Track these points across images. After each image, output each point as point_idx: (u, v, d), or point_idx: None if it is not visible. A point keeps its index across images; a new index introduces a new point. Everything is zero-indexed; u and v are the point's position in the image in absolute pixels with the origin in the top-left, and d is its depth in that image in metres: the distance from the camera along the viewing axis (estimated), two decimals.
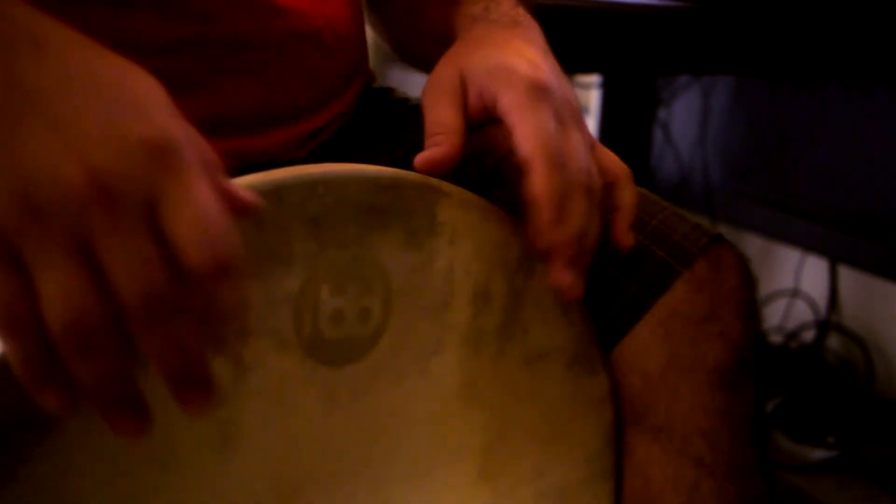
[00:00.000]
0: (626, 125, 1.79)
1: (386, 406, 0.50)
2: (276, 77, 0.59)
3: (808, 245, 1.64)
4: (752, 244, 1.76)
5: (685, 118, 1.85)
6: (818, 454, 1.45)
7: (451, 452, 0.54)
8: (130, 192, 0.33)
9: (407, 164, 0.51)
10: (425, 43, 0.68)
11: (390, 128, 0.69)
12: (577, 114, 0.54)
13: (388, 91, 0.75)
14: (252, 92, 0.58)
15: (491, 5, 0.62)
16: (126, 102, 0.35)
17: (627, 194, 0.55)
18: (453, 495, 0.55)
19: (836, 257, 1.61)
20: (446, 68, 0.56)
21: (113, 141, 0.34)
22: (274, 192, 0.42)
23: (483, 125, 0.55)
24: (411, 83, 0.74)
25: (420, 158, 0.51)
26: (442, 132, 0.52)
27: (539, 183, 0.49)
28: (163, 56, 0.53)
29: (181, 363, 0.35)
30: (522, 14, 0.62)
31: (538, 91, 0.52)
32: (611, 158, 0.56)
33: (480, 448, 0.55)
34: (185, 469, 0.44)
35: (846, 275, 1.62)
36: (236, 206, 0.37)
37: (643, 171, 1.82)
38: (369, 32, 0.72)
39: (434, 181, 0.49)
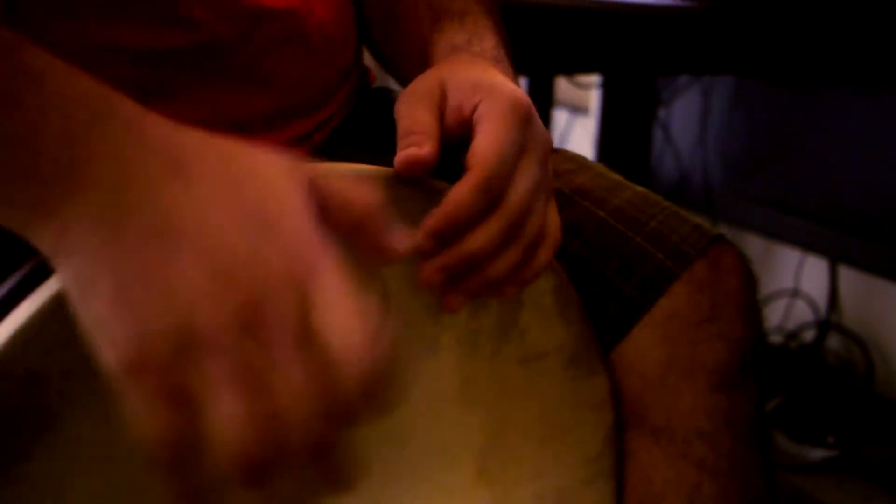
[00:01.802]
0: (626, 125, 1.79)
1: None
2: (265, 80, 0.59)
3: (808, 245, 1.64)
4: (752, 244, 1.76)
5: (685, 118, 1.85)
6: (818, 454, 1.45)
7: (449, 453, 0.54)
8: (284, 321, 0.34)
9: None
10: (406, 63, 0.67)
11: (388, 128, 0.69)
12: (547, 150, 0.53)
13: (387, 91, 0.75)
14: (241, 96, 0.58)
15: (474, 39, 0.61)
16: (267, 226, 0.35)
17: (542, 256, 0.52)
18: (451, 496, 0.55)
19: (836, 257, 1.61)
20: (427, 79, 0.55)
21: (258, 273, 0.34)
22: None
23: (452, 144, 0.53)
24: None
25: (399, 158, 0.49)
26: (420, 132, 0.50)
27: (458, 192, 0.48)
28: (151, 63, 0.53)
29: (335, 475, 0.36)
30: (503, 56, 0.61)
31: (520, 111, 0.51)
32: (553, 217, 0.53)
33: (478, 449, 0.55)
34: None
35: (846, 275, 1.62)
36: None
37: (643, 171, 1.82)
38: None
39: (431, 181, 0.49)
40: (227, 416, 0.33)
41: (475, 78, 0.53)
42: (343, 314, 0.35)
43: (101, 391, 0.40)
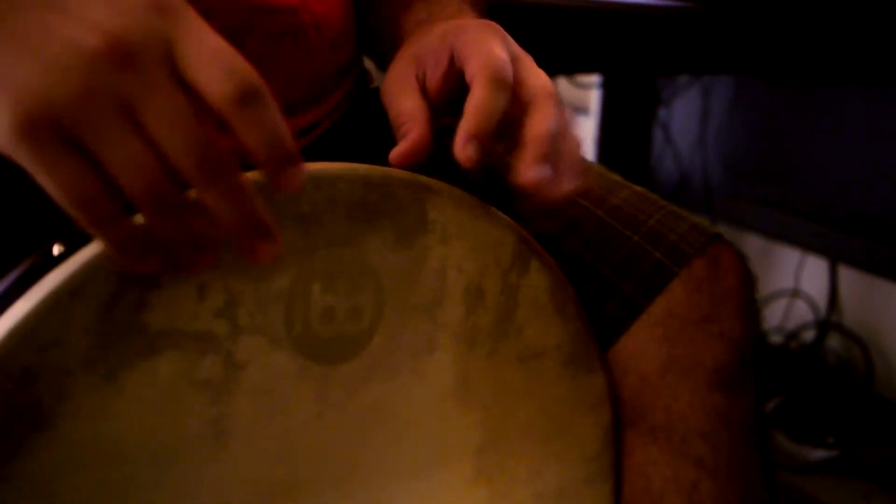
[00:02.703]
0: (626, 125, 1.80)
1: (379, 405, 0.50)
2: (262, 74, 0.59)
3: (808, 245, 1.64)
4: (752, 244, 1.76)
5: (685, 118, 1.85)
6: (818, 454, 1.45)
7: (447, 452, 0.54)
8: (149, 47, 0.35)
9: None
10: (383, 46, 0.68)
11: (386, 127, 0.69)
12: (530, 58, 0.54)
13: None
14: None
15: (435, 9, 0.62)
16: None
17: (538, 121, 0.51)
18: (450, 495, 0.55)
19: (836, 257, 1.61)
20: (399, 61, 0.56)
21: (119, 6, 0.35)
22: (262, 190, 0.42)
23: (453, 100, 0.54)
24: None
25: (393, 154, 0.50)
26: (406, 121, 0.52)
27: (475, 95, 0.49)
28: None
29: (242, 217, 0.38)
30: (468, 11, 0.63)
31: (490, 29, 0.53)
32: (537, 75, 0.53)
33: (476, 448, 0.55)
34: (177, 466, 0.44)
35: (846, 275, 1.62)
36: None
37: (643, 171, 1.82)
38: None
39: (424, 179, 0.49)
40: (122, 155, 0.35)
41: (440, 30, 0.55)
42: (208, 45, 0.37)
43: (94, 389, 0.40)
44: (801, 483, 1.40)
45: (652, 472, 0.60)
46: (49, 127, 0.34)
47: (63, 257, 0.40)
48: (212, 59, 0.36)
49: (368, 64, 0.75)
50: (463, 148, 0.48)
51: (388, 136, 0.61)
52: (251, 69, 0.37)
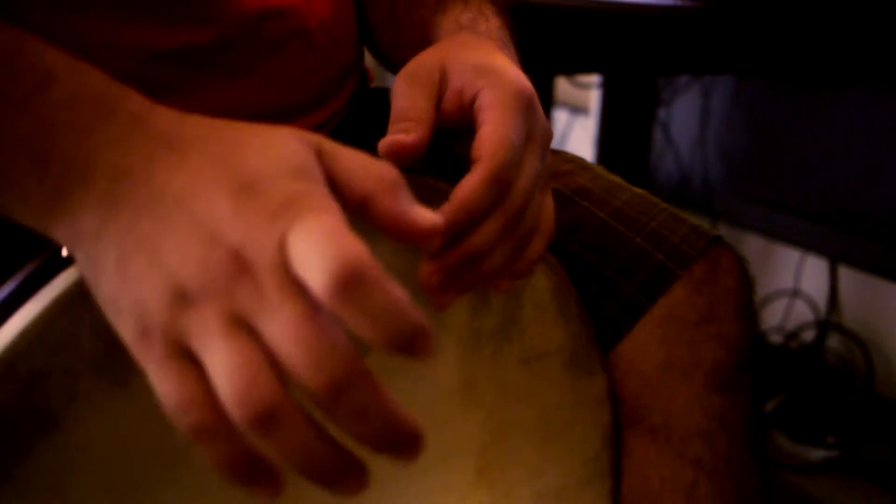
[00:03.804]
0: (626, 125, 1.80)
1: None
2: (267, 77, 0.59)
3: (808, 245, 1.64)
4: (752, 244, 1.76)
5: (685, 118, 1.85)
6: (818, 454, 1.46)
7: (449, 452, 0.54)
8: (265, 258, 0.33)
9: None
10: (409, 54, 0.67)
11: (385, 128, 0.69)
12: (548, 141, 0.52)
13: (386, 91, 0.75)
14: (243, 92, 0.58)
15: (480, 18, 0.60)
16: (250, 184, 0.35)
17: (535, 248, 0.51)
18: (451, 495, 0.55)
19: (836, 257, 1.61)
20: (427, 57, 0.53)
21: (244, 221, 0.34)
22: None
23: (450, 128, 0.52)
24: None
25: (384, 143, 0.47)
26: (413, 118, 0.49)
27: (468, 187, 0.46)
28: (153, 61, 0.53)
29: (377, 431, 0.34)
30: (508, 39, 0.60)
31: (523, 100, 0.49)
32: (548, 209, 0.52)
33: (478, 448, 0.55)
34: (183, 469, 0.44)
35: (846, 275, 1.62)
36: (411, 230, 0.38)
37: (643, 172, 1.82)
38: None
39: (431, 181, 0.49)
40: (223, 362, 0.33)
41: (478, 61, 0.51)
42: (313, 232, 0.33)
43: (102, 391, 0.40)
44: (801, 483, 1.40)
45: (651, 472, 0.60)
46: (163, 335, 0.34)
47: (72, 259, 0.40)
48: (315, 247, 0.33)
49: (367, 62, 0.75)
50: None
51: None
52: (356, 247, 0.33)
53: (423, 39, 0.61)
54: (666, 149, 1.88)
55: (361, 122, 0.69)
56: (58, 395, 0.39)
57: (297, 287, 0.33)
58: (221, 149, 0.37)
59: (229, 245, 0.34)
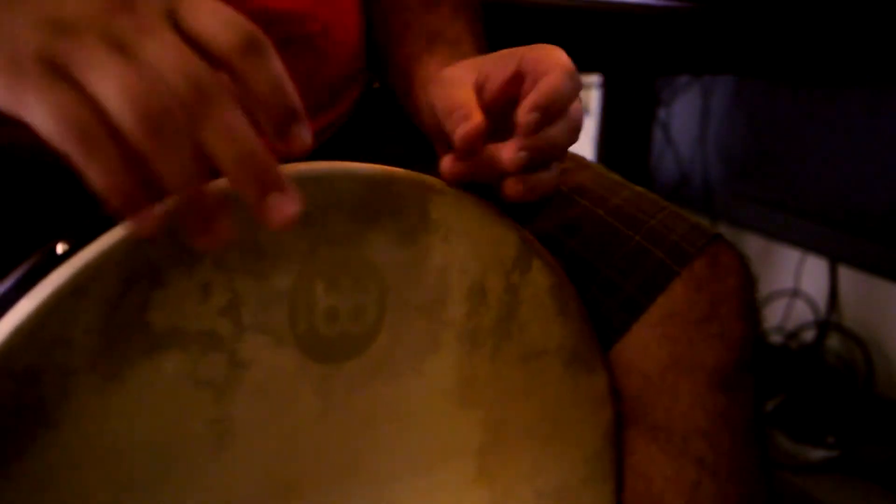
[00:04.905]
0: (626, 125, 1.80)
1: (382, 404, 0.50)
2: None
3: (808, 245, 1.64)
4: (752, 244, 1.76)
5: (685, 118, 1.85)
6: (818, 454, 1.46)
7: (449, 451, 0.54)
8: (148, 6, 0.36)
9: (405, 163, 0.50)
10: (395, 78, 0.68)
11: (388, 128, 0.69)
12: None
13: (388, 91, 0.75)
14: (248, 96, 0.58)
15: (456, 55, 0.63)
16: None
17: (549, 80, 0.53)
18: (451, 494, 0.55)
19: (836, 257, 1.61)
20: (457, 68, 0.57)
21: None
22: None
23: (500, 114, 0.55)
24: None
25: (459, 134, 0.50)
26: (463, 105, 0.52)
27: (552, 78, 0.51)
28: None
29: (242, 152, 0.36)
30: None
31: (557, 48, 0.54)
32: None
33: (478, 447, 0.55)
34: (179, 465, 0.44)
35: (846, 275, 1.62)
36: None
37: (643, 171, 1.82)
38: None
39: (427, 179, 0.49)
40: (113, 80, 0.34)
41: (503, 51, 0.56)
42: (208, 3, 0.37)
43: (97, 389, 0.40)
44: (801, 483, 1.40)
45: (652, 471, 0.60)
46: (38, 59, 0.35)
47: (67, 256, 0.40)
48: (214, 13, 0.37)
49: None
50: (526, 114, 0.50)
51: (391, 136, 0.61)
52: (252, 24, 0.37)
53: (406, 76, 0.65)
54: (666, 149, 1.88)
55: (365, 123, 0.69)
56: (53, 392, 0.39)
57: (180, 33, 0.36)
58: None
59: None
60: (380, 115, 0.71)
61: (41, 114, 0.35)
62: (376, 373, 0.49)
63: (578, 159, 0.68)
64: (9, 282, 0.41)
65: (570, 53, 0.54)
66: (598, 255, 0.61)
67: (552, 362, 0.56)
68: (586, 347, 0.58)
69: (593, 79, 1.89)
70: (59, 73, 0.35)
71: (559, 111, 0.52)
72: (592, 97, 1.96)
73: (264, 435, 0.46)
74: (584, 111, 0.56)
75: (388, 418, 0.51)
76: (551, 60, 0.52)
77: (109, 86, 0.34)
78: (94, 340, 0.40)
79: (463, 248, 0.50)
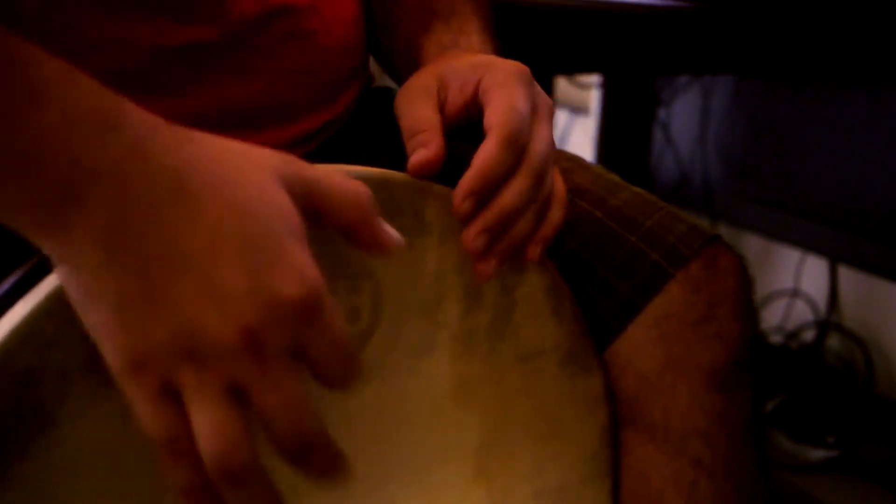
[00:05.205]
0: (626, 125, 1.80)
1: (378, 405, 0.50)
2: (269, 76, 0.59)
3: (808, 245, 1.64)
4: (752, 244, 1.76)
5: (685, 118, 1.85)
6: (818, 454, 1.46)
7: (446, 452, 0.54)
8: (279, 346, 0.36)
9: (405, 164, 0.51)
10: (397, 60, 0.69)
11: (388, 128, 0.69)
12: (551, 113, 0.55)
13: (387, 91, 0.75)
14: (248, 90, 0.58)
15: (461, 37, 0.63)
16: (272, 259, 0.37)
17: (556, 214, 0.55)
18: (449, 495, 0.55)
19: (836, 257, 1.61)
20: (422, 75, 0.57)
21: (262, 301, 0.36)
22: None
23: (461, 127, 0.55)
24: None
25: (412, 164, 0.50)
26: (424, 128, 0.52)
27: (486, 150, 0.49)
28: (157, 58, 0.53)
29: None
30: (491, 51, 0.63)
31: (520, 76, 0.53)
32: (559, 179, 0.56)
33: (476, 447, 0.55)
34: None
35: (846, 275, 1.62)
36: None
37: (643, 171, 1.82)
38: None
39: (422, 182, 0.49)
40: (208, 422, 0.36)
41: (471, 60, 0.56)
42: (330, 350, 0.38)
43: (95, 390, 0.40)
44: (801, 483, 1.40)
45: (650, 471, 0.60)
46: (156, 369, 0.36)
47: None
48: (336, 359, 0.39)
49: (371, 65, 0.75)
50: (461, 202, 0.49)
51: (389, 138, 0.61)
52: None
53: (408, 51, 0.65)
54: (666, 149, 1.88)
55: (364, 123, 0.69)
56: (52, 394, 0.39)
57: (296, 369, 0.37)
58: (232, 201, 0.37)
59: (246, 324, 0.35)
60: (379, 116, 0.71)
61: (141, 408, 0.37)
62: (373, 374, 0.49)
63: (577, 160, 0.68)
64: (7, 284, 0.41)
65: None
66: (595, 256, 0.61)
67: (548, 363, 0.56)
68: (582, 348, 0.58)
69: (593, 79, 1.89)
70: (169, 388, 0.36)
71: (500, 178, 0.50)
72: (592, 97, 1.96)
73: (261, 436, 0.46)
74: (583, 111, 0.56)
75: (384, 419, 0.51)
76: (502, 103, 0.51)
77: (205, 424, 0.36)
78: (92, 343, 0.40)
79: (458, 250, 0.51)
